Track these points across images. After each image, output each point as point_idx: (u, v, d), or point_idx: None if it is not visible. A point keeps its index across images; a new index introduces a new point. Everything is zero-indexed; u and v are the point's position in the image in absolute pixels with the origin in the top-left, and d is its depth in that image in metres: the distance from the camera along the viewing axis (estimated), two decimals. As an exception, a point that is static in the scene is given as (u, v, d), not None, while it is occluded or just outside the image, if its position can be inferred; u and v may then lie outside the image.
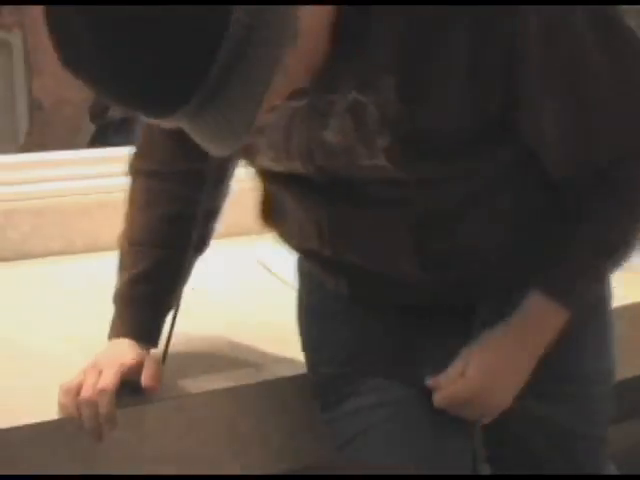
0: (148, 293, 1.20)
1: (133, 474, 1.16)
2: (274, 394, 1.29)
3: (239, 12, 0.75)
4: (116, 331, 1.18)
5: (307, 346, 1.26)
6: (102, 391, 1.07)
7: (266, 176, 1.14)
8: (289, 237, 1.20)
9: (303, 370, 1.26)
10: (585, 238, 1.07)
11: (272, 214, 1.20)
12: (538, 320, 1.08)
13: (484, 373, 1.09)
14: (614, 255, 1.07)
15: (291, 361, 1.30)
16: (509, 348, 1.10)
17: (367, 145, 0.97)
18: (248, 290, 1.65)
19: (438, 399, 1.11)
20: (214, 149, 0.84)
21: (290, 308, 1.30)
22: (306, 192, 1.07)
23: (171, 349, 1.20)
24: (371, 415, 1.17)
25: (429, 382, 1.12)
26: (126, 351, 1.15)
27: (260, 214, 1.22)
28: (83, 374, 1.11)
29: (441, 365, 1.11)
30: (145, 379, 1.13)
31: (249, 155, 1.08)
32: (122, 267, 1.21)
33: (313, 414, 1.24)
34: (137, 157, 1.24)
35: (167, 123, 0.81)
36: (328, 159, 1.01)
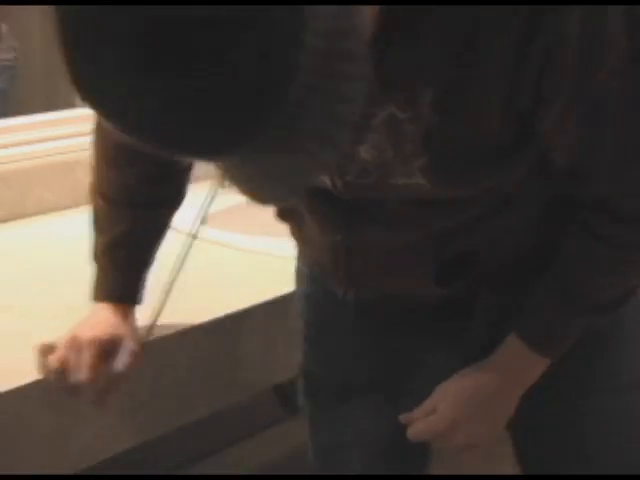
0: (130, 255, 1.23)
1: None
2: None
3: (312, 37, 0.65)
4: (101, 294, 1.22)
5: (308, 345, 1.31)
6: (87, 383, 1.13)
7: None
8: (303, 245, 1.22)
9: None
10: (572, 294, 1.06)
11: (288, 217, 1.21)
12: (516, 364, 1.11)
13: (456, 410, 1.11)
14: (602, 312, 1.07)
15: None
16: (485, 387, 1.11)
17: (403, 162, 0.95)
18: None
19: (410, 433, 1.13)
20: (277, 189, 0.74)
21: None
22: (326, 208, 1.06)
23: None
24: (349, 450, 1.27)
25: (402, 418, 1.15)
26: (105, 325, 1.18)
27: (277, 212, 1.23)
28: (64, 347, 1.15)
29: (437, 380, 1.15)
30: (117, 363, 1.17)
31: None
32: (100, 226, 1.23)
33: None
34: (104, 171, 1.23)
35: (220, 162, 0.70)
36: (359, 176, 0.98)
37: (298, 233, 1.21)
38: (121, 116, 0.66)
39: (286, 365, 1.61)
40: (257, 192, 0.75)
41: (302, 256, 1.28)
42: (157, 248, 1.25)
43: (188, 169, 1.24)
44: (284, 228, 1.54)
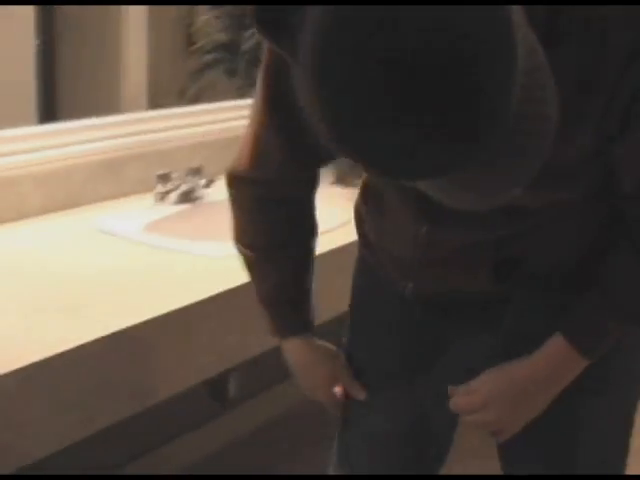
0: (299, 292, 1.34)
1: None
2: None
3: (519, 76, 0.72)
4: (289, 330, 1.35)
5: (352, 331, 1.41)
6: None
7: (388, 186, 1.17)
8: (381, 235, 1.28)
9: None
10: (619, 302, 1.12)
11: (368, 216, 1.30)
12: (557, 362, 1.15)
13: (494, 394, 1.18)
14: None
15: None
16: (523, 381, 1.17)
17: None
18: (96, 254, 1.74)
19: (451, 403, 1.22)
20: (477, 200, 0.81)
21: (138, 260, 1.59)
22: (421, 203, 1.03)
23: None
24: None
25: (449, 390, 1.22)
26: (323, 364, 1.38)
27: (357, 215, 1.34)
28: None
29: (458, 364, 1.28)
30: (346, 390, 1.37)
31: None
32: (261, 271, 1.34)
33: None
34: (248, 168, 1.27)
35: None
36: None
37: (379, 223, 1.28)
38: (389, 161, 0.74)
39: (218, 360, 1.70)
40: (445, 199, 0.82)
41: (370, 247, 1.34)
42: (311, 275, 1.36)
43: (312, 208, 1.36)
44: (216, 233, 1.66)
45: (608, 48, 0.92)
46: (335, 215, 1.92)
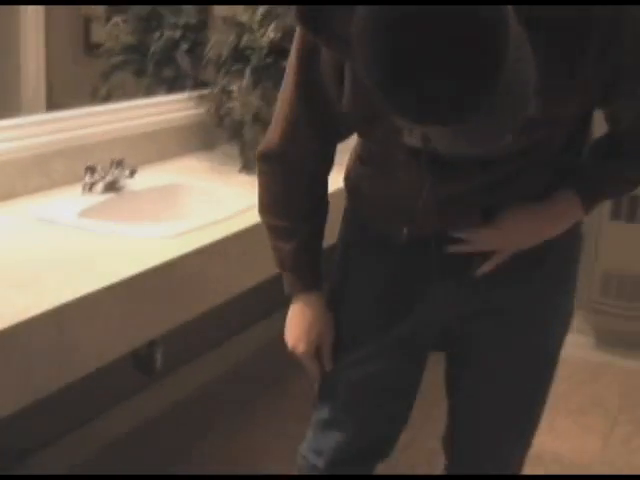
0: (312, 258, 1.59)
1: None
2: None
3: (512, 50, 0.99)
4: (301, 287, 1.59)
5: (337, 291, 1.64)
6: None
7: (396, 147, 1.37)
8: (384, 192, 1.51)
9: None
10: (618, 168, 1.47)
11: (368, 176, 1.54)
12: (564, 209, 1.48)
13: (510, 228, 1.47)
14: (632, 187, 1.51)
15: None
16: (537, 217, 1.47)
17: None
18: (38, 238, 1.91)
19: (470, 236, 1.48)
20: (477, 144, 1.08)
21: (77, 243, 1.75)
22: (428, 163, 1.34)
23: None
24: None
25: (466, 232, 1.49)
26: (316, 319, 1.61)
27: (349, 180, 1.60)
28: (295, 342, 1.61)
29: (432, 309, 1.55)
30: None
31: (398, 132, 1.30)
32: (284, 238, 1.57)
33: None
34: (278, 143, 1.50)
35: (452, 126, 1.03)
36: None
37: (381, 181, 1.51)
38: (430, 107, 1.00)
39: (144, 331, 1.85)
40: (457, 143, 1.07)
41: (365, 201, 1.58)
42: (322, 240, 1.62)
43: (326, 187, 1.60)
44: (142, 217, 1.86)
45: (590, 40, 1.22)
46: (240, 200, 2.17)
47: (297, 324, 1.61)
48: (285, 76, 1.46)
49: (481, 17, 0.98)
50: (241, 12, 2.56)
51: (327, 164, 1.57)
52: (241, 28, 2.58)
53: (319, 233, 1.61)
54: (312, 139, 1.49)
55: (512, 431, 1.64)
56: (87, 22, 2.73)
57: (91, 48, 2.76)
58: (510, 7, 1.02)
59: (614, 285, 3.47)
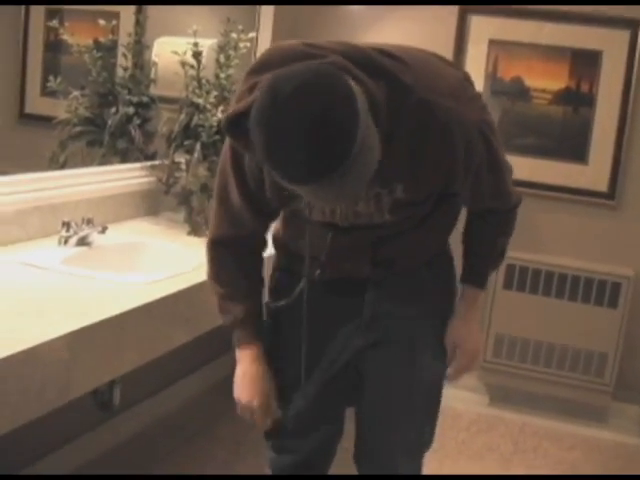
0: (258, 315, 1.91)
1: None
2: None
3: (361, 132, 1.35)
4: (249, 339, 1.88)
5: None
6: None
7: (306, 220, 1.78)
8: (302, 245, 1.82)
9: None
10: (494, 250, 1.95)
11: (289, 240, 1.91)
12: (474, 301, 1.98)
13: (462, 342, 1.95)
14: (503, 255, 1.99)
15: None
16: (467, 322, 1.96)
17: (380, 212, 1.73)
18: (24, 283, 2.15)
19: (454, 377, 2.01)
20: (335, 202, 1.63)
21: (56, 284, 2.03)
22: (328, 224, 1.78)
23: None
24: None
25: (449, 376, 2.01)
26: (264, 372, 1.90)
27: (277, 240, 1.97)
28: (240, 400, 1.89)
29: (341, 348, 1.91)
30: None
31: (308, 209, 1.77)
32: (228, 300, 1.88)
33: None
34: (225, 230, 1.85)
35: (308, 187, 1.39)
36: (355, 219, 1.76)
37: (300, 237, 1.83)
38: (288, 168, 1.38)
39: (105, 370, 2.04)
40: (326, 199, 1.48)
41: (289, 254, 1.92)
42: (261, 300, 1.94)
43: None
44: (114, 267, 2.12)
45: (450, 140, 1.62)
46: (194, 257, 2.47)
47: (249, 382, 1.88)
48: (220, 173, 1.81)
49: (337, 109, 1.34)
50: (196, 95, 2.91)
51: (264, 242, 1.92)
52: (194, 108, 2.93)
53: (261, 293, 1.93)
54: (253, 222, 1.82)
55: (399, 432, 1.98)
56: (22, 93, 2.96)
57: (25, 118, 2.99)
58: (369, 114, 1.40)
59: (505, 346, 3.86)
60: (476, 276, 1.96)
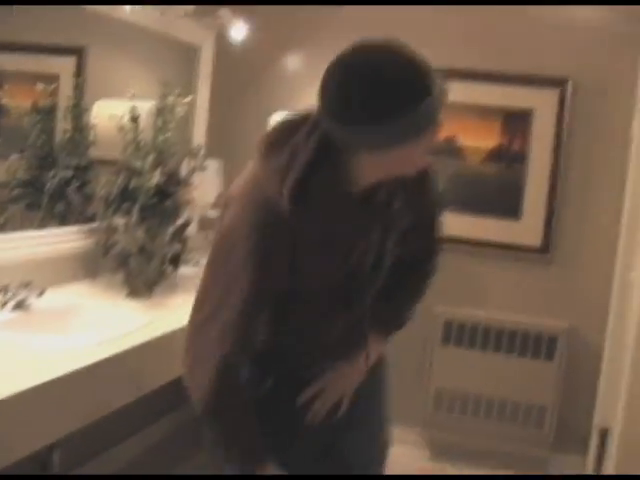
0: (255, 436, 1.79)
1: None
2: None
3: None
4: (260, 459, 1.78)
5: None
6: None
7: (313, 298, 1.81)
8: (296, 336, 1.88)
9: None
10: (401, 306, 2.06)
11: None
12: (377, 346, 2.03)
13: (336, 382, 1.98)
14: (411, 315, 2.07)
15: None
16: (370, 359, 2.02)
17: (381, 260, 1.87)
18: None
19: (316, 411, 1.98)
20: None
21: None
22: (333, 309, 1.88)
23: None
24: None
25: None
26: None
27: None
28: None
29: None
30: None
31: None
32: (232, 429, 1.77)
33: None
34: (235, 351, 1.71)
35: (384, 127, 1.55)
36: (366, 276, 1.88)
37: (298, 329, 1.87)
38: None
39: (44, 434, 2.05)
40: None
41: (278, 353, 1.89)
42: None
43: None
44: (51, 331, 2.11)
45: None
46: (133, 319, 2.48)
47: None
48: (225, 285, 1.68)
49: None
50: (134, 157, 2.94)
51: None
52: (131, 172, 2.96)
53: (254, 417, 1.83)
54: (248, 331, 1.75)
55: None
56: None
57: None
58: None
59: (446, 401, 3.91)
60: (386, 327, 2.08)
